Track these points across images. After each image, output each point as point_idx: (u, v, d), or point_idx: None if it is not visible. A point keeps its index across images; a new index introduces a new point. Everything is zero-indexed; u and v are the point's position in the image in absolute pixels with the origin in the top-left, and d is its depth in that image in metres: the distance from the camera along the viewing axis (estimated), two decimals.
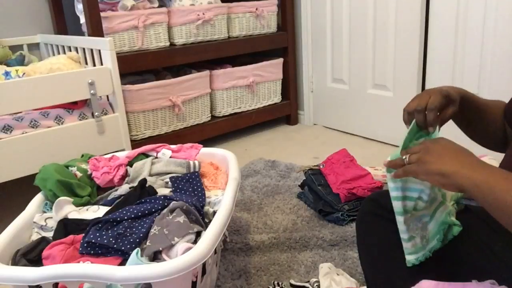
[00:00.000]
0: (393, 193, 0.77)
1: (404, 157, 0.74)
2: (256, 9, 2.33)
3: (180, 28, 2.08)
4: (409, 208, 0.77)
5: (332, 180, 1.54)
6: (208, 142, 2.24)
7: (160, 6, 2.07)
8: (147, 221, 0.98)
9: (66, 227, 1.02)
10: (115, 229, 0.96)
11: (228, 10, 2.24)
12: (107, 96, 1.77)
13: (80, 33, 2.08)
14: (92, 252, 0.93)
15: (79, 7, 1.89)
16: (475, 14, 1.77)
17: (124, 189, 1.17)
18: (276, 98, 2.55)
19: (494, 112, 0.89)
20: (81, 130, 1.62)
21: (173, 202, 1.06)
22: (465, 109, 0.84)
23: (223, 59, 2.35)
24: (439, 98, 0.78)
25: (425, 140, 0.78)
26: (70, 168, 1.23)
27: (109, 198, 1.18)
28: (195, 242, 0.93)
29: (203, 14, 2.11)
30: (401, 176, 0.74)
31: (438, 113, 0.79)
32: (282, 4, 2.44)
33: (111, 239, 0.93)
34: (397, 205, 0.77)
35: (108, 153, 1.36)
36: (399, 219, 0.77)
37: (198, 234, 0.96)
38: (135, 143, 1.87)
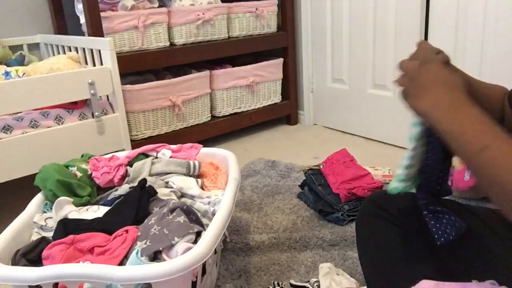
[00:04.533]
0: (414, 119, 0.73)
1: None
2: (256, 9, 2.33)
3: (180, 28, 2.08)
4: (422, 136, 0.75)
5: (332, 180, 1.54)
6: (208, 142, 2.24)
7: (160, 6, 2.07)
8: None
9: (66, 227, 1.02)
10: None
11: (228, 10, 2.24)
12: (107, 96, 1.77)
13: (80, 33, 2.07)
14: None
15: (79, 7, 1.89)
16: (475, 14, 1.77)
17: (124, 189, 1.17)
18: (276, 98, 2.55)
19: (494, 95, 0.87)
20: (81, 130, 1.62)
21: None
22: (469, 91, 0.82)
23: (223, 59, 2.35)
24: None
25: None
26: (70, 168, 1.23)
27: (109, 198, 1.18)
28: (195, 242, 0.93)
29: (203, 14, 2.11)
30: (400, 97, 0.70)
31: None
32: (282, 4, 2.44)
33: None
34: (414, 131, 0.73)
35: (108, 153, 1.36)
36: (411, 145, 0.74)
37: (198, 234, 0.96)
38: (135, 143, 1.87)
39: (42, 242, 1.00)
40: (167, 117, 2.09)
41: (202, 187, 1.24)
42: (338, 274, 1.16)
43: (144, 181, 1.15)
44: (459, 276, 0.73)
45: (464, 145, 0.57)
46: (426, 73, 0.66)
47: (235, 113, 2.37)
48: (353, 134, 2.40)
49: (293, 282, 1.18)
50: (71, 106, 1.63)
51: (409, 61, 0.70)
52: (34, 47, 2.23)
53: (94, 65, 1.78)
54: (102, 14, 1.79)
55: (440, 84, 0.64)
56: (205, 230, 0.98)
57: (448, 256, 0.81)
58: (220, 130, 2.31)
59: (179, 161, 1.28)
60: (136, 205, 1.06)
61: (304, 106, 2.62)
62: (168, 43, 2.08)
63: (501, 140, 0.55)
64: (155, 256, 0.90)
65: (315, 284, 1.13)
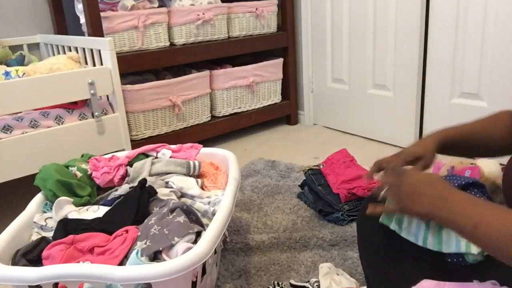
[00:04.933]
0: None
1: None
2: (256, 9, 2.33)
3: (180, 28, 2.08)
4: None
5: (332, 180, 1.54)
6: (208, 142, 2.24)
7: (160, 6, 2.07)
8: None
9: (66, 227, 1.02)
10: None
11: (228, 10, 2.24)
12: (107, 96, 1.77)
13: (80, 33, 2.07)
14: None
15: (79, 7, 1.89)
16: (475, 14, 1.77)
17: (124, 189, 1.17)
18: (276, 98, 2.55)
19: (495, 129, 0.91)
20: (81, 130, 1.62)
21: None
22: (456, 148, 0.91)
23: (223, 59, 2.35)
24: (400, 162, 0.88)
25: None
26: (70, 168, 1.23)
27: (109, 198, 1.18)
28: (195, 242, 0.93)
29: (203, 14, 2.11)
30: (389, 211, 0.80)
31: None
32: (282, 4, 2.44)
33: None
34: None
35: (108, 153, 1.36)
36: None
37: (198, 234, 0.96)
38: (135, 143, 1.87)
39: (42, 242, 1.00)
40: (167, 117, 2.08)
41: (202, 187, 1.24)
42: (338, 274, 1.16)
43: (144, 181, 1.15)
44: (460, 275, 0.73)
45: (460, 227, 0.64)
46: (408, 181, 0.74)
47: (235, 113, 2.37)
48: (353, 134, 2.40)
49: (293, 282, 1.18)
50: (71, 106, 1.63)
51: (388, 177, 0.79)
52: (34, 47, 2.23)
53: (94, 65, 1.78)
54: (102, 14, 1.79)
55: (424, 185, 0.71)
56: (205, 230, 0.98)
57: (449, 256, 0.81)
58: (220, 130, 2.31)
59: (179, 161, 1.28)
60: (136, 205, 1.06)
61: (304, 106, 2.62)
62: (168, 43, 2.08)
63: (490, 214, 0.61)
64: (155, 256, 0.90)
65: (315, 284, 1.13)
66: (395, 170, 0.79)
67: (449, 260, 0.77)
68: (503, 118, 0.91)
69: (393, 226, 0.82)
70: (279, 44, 2.48)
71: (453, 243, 0.76)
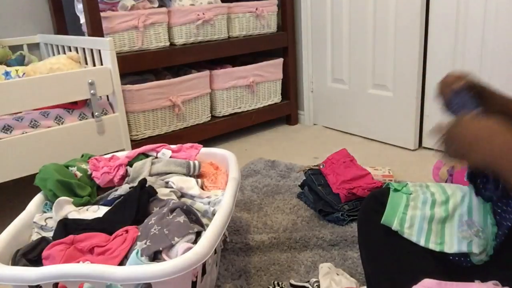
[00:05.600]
0: None
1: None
2: (256, 9, 2.33)
3: (180, 28, 2.08)
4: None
5: (332, 180, 1.54)
6: (208, 142, 2.24)
7: (160, 6, 2.07)
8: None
9: (66, 227, 1.02)
10: None
11: (228, 10, 2.24)
12: (107, 96, 1.77)
13: (80, 33, 2.08)
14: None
15: (79, 7, 1.89)
16: (475, 14, 1.77)
17: (124, 189, 1.17)
18: (276, 98, 2.55)
19: None
20: (81, 130, 1.62)
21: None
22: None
23: (223, 59, 2.35)
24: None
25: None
26: (70, 168, 1.23)
27: (109, 198, 1.18)
28: (195, 242, 0.93)
29: (203, 14, 2.11)
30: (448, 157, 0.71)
31: None
32: (282, 4, 2.44)
33: None
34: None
35: (108, 153, 1.36)
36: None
37: (198, 234, 0.96)
38: (135, 143, 1.87)
39: (42, 242, 1.00)
40: (167, 117, 2.08)
41: (202, 187, 1.24)
42: (338, 274, 1.16)
43: (144, 181, 1.15)
44: (462, 275, 0.73)
45: None
46: (467, 128, 0.67)
47: (235, 113, 2.37)
48: (353, 134, 2.40)
49: (293, 282, 1.18)
50: (71, 106, 1.63)
51: (443, 126, 0.71)
52: (34, 47, 2.23)
53: (94, 65, 1.78)
54: (102, 14, 1.79)
55: (486, 132, 0.65)
56: (205, 230, 0.98)
57: (451, 256, 0.81)
58: (220, 130, 2.31)
59: (179, 161, 1.28)
60: (136, 205, 1.06)
61: (304, 106, 2.62)
62: (168, 43, 2.08)
63: None
64: (155, 256, 0.90)
65: (315, 284, 1.13)
66: (451, 122, 0.70)
67: (451, 258, 0.77)
68: None
69: (395, 226, 0.82)
70: (279, 44, 2.48)
71: (455, 244, 0.76)
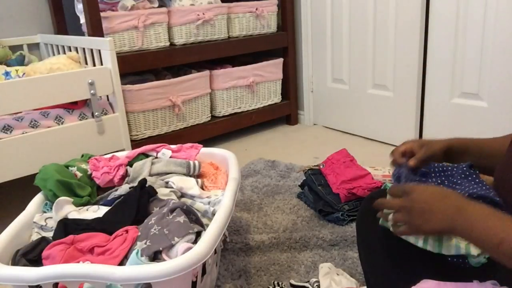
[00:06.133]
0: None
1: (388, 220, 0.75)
2: (256, 9, 2.33)
3: (180, 28, 2.08)
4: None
5: (332, 180, 1.54)
6: (208, 142, 2.24)
7: (160, 6, 2.07)
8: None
9: (66, 227, 1.02)
10: None
11: (228, 10, 2.24)
12: (107, 96, 1.77)
13: (80, 33, 2.07)
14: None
15: (79, 7, 1.89)
16: (475, 14, 1.77)
17: (124, 189, 1.17)
18: (276, 98, 2.55)
19: (501, 148, 0.89)
20: (81, 130, 1.62)
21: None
22: (457, 156, 0.89)
23: (223, 59, 2.35)
24: (411, 145, 0.89)
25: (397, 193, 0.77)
26: (70, 168, 1.23)
27: (109, 198, 1.18)
28: (195, 242, 0.93)
29: (203, 14, 2.11)
30: (400, 234, 0.75)
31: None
32: (282, 4, 2.44)
33: None
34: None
35: (108, 153, 1.36)
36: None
37: (198, 234, 0.96)
38: (135, 143, 1.87)
39: (42, 242, 1.00)
40: (167, 117, 2.08)
41: (202, 187, 1.24)
42: (338, 274, 1.16)
43: (144, 181, 1.15)
44: (460, 276, 0.73)
45: (482, 242, 0.62)
46: (419, 199, 0.70)
47: (235, 113, 2.37)
48: (353, 134, 2.40)
49: (293, 282, 1.18)
50: (71, 106, 1.63)
51: (394, 200, 0.74)
52: (34, 47, 2.23)
53: (94, 65, 1.78)
54: (102, 14, 1.79)
55: (437, 200, 0.68)
56: (205, 230, 0.98)
57: (449, 257, 0.81)
58: (220, 130, 2.31)
59: (179, 161, 1.28)
60: (136, 205, 1.06)
61: (304, 106, 2.62)
62: (168, 43, 2.08)
63: None
64: (155, 256, 0.90)
65: (315, 284, 1.13)
66: (400, 189, 0.74)
67: (449, 259, 0.77)
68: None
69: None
70: (279, 44, 2.48)
71: (453, 245, 0.76)
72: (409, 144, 0.92)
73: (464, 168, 0.83)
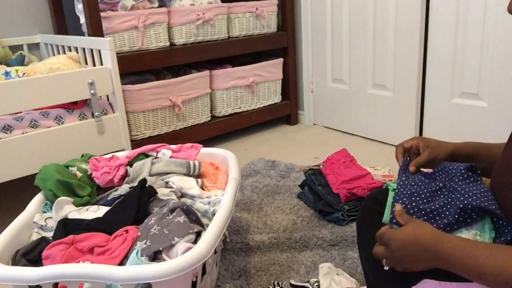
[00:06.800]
0: None
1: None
2: (256, 9, 2.33)
3: (180, 28, 2.08)
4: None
5: (332, 180, 1.54)
6: (208, 142, 2.24)
7: (160, 6, 2.07)
8: None
9: (66, 227, 1.02)
10: None
11: (228, 10, 2.24)
12: (107, 96, 1.77)
13: (80, 33, 2.08)
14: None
15: (79, 7, 1.89)
16: (475, 14, 1.77)
17: (124, 189, 1.17)
18: (276, 98, 2.55)
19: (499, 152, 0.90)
20: (81, 130, 1.62)
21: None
22: (472, 159, 0.91)
23: (223, 59, 2.35)
24: (416, 143, 0.93)
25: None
26: (70, 168, 1.23)
27: (109, 198, 1.18)
28: (195, 242, 0.93)
29: (203, 14, 2.11)
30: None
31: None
32: (282, 4, 2.44)
33: None
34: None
35: (108, 153, 1.36)
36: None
37: (198, 234, 0.96)
38: (135, 143, 1.87)
39: (42, 242, 1.00)
40: (167, 117, 2.08)
41: (202, 187, 1.24)
42: (338, 274, 1.16)
43: (144, 181, 1.15)
44: (461, 276, 0.73)
45: (463, 274, 0.65)
46: (395, 248, 0.73)
47: (235, 113, 2.37)
48: (353, 134, 2.40)
49: (293, 282, 1.18)
50: (71, 106, 1.63)
51: (379, 248, 0.78)
52: (34, 47, 2.23)
53: (94, 65, 1.78)
54: (102, 14, 1.79)
55: (410, 245, 0.71)
56: (205, 230, 0.98)
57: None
58: (220, 130, 2.31)
59: (179, 161, 1.28)
60: (136, 205, 1.06)
61: (304, 106, 2.62)
62: (168, 43, 2.08)
63: (492, 259, 0.62)
64: (155, 256, 0.90)
65: (315, 284, 1.13)
66: (380, 239, 0.77)
67: None
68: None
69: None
70: (279, 44, 2.48)
71: None
72: (415, 141, 0.95)
73: (463, 170, 0.84)
